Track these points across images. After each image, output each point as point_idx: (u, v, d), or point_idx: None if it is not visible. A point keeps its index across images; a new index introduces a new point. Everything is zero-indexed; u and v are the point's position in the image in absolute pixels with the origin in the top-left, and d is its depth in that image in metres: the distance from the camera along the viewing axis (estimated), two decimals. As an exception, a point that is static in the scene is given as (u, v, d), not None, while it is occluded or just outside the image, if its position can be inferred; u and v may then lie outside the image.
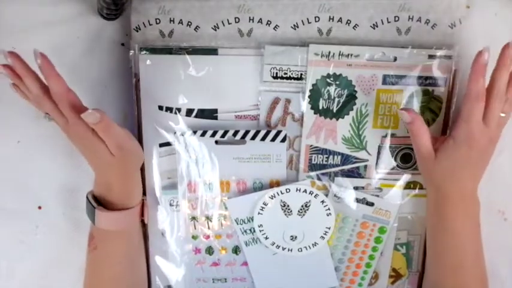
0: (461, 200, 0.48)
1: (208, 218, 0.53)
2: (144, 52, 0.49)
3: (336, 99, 0.51)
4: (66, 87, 0.43)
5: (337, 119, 0.51)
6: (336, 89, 0.50)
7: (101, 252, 0.49)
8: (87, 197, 0.49)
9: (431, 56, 0.49)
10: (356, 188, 0.53)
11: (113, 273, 0.50)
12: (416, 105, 0.51)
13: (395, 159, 0.52)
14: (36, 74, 0.44)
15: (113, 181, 0.47)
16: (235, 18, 0.49)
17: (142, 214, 0.51)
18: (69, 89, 0.43)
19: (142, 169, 0.52)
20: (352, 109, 0.51)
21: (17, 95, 0.51)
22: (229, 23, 0.49)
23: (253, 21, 0.49)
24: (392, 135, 0.51)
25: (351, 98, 0.50)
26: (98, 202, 0.48)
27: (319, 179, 0.52)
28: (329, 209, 0.52)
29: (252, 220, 0.53)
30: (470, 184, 0.48)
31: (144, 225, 0.53)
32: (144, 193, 0.53)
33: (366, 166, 0.52)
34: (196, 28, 0.49)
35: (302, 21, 0.49)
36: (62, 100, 0.42)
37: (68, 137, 0.46)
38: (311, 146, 0.52)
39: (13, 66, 0.43)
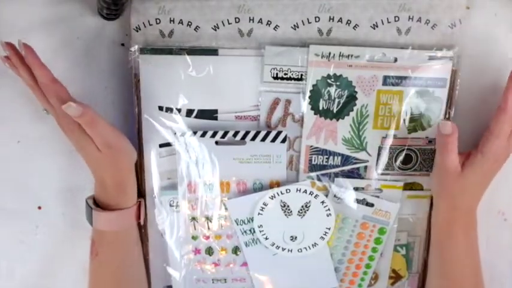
0: (470, 213, 0.49)
1: (208, 219, 0.53)
2: (144, 52, 0.49)
3: (336, 100, 0.50)
4: (51, 77, 0.44)
5: (338, 120, 0.51)
6: (336, 90, 0.50)
7: (101, 258, 0.49)
8: (86, 201, 0.49)
9: (431, 57, 0.49)
10: (356, 189, 0.53)
11: (114, 278, 0.50)
12: (416, 106, 0.51)
13: (395, 160, 0.52)
14: (28, 65, 0.45)
15: (105, 178, 0.48)
16: (235, 18, 0.49)
17: (139, 216, 0.51)
18: (54, 79, 0.44)
19: (138, 171, 0.52)
20: (352, 110, 0.51)
21: (17, 96, 0.52)
22: (229, 23, 0.49)
23: (253, 21, 0.49)
24: (393, 136, 0.51)
25: (351, 98, 0.50)
26: (97, 205, 0.49)
27: (319, 179, 0.52)
28: (329, 209, 0.52)
29: (252, 221, 0.53)
30: (481, 197, 0.49)
31: (140, 228, 0.53)
32: (143, 194, 0.53)
33: (366, 167, 0.52)
34: (196, 28, 0.49)
35: (302, 21, 0.49)
36: (48, 90, 0.44)
37: (61, 129, 0.47)
38: (311, 146, 0.52)
39: (10, 57, 0.45)
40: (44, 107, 0.47)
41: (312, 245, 0.54)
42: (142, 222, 0.52)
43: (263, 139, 0.51)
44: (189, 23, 0.49)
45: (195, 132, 0.50)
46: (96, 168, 0.48)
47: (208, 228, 0.54)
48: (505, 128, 0.44)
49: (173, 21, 0.49)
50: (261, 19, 0.49)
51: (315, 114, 0.51)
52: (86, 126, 0.44)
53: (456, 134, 0.45)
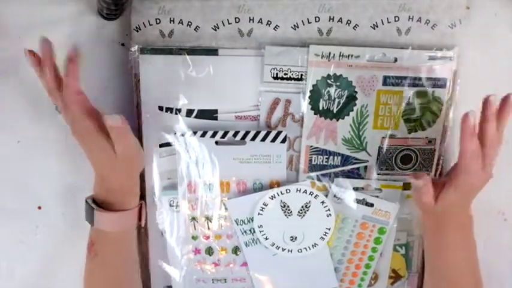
0: (460, 220, 0.49)
1: (208, 219, 0.53)
2: (144, 52, 0.49)
3: (336, 100, 0.51)
4: (78, 88, 0.44)
5: (338, 120, 0.51)
6: (336, 90, 0.50)
7: (101, 258, 0.49)
8: (86, 201, 0.49)
9: (431, 57, 0.49)
10: (356, 189, 0.53)
11: (114, 278, 0.50)
12: (416, 106, 0.51)
13: (395, 160, 0.52)
14: (56, 68, 0.44)
15: (112, 182, 0.47)
16: (235, 18, 0.49)
17: (140, 218, 0.51)
18: (80, 91, 0.44)
19: (141, 172, 0.52)
20: (352, 110, 0.51)
21: (17, 96, 0.52)
22: (229, 23, 0.49)
23: (253, 21, 0.49)
24: (392, 136, 0.51)
25: (351, 98, 0.50)
26: (97, 205, 0.49)
27: (319, 179, 0.52)
28: (329, 209, 0.52)
29: (252, 221, 0.53)
30: (468, 207, 0.49)
31: (140, 229, 0.53)
32: (143, 194, 0.53)
33: (366, 167, 0.52)
34: (196, 28, 0.49)
35: (302, 21, 0.49)
36: (71, 100, 0.44)
37: (72, 132, 0.46)
38: (311, 146, 0.52)
39: (42, 53, 0.44)
40: (61, 111, 0.46)
41: (312, 245, 0.54)
42: (143, 224, 0.52)
43: (263, 139, 0.51)
44: (189, 23, 0.49)
45: (195, 132, 0.50)
46: (105, 172, 0.48)
47: (208, 228, 0.54)
48: (472, 167, 0.45)
49: (173, 21, 0.49)
50: (261, 19, 0.49)
51: (315, 114, 0.51)
52: (118, 135, 0.44)
53: (429, 183, 0.46)
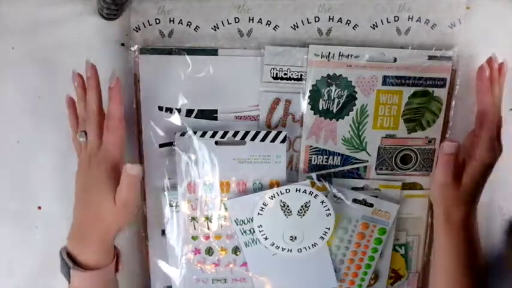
0: (473, 217, 0.49)
1: (208, 219, 0.53)
2: (144, 52, 0.49)
3: (336, 100, 0.51)
4: (122, 116, 0.45)
5: (337, 120, 0.51)
6: (335, 90, 0.50)
7: None
8: (60, 254, 0.46)
9: (431, 57, 0.49)
10: (356, 189, 0.53)
11: None
12: (416, 106, 0.51)
13: (394, 160, 0.52)
14: (100, 92, 0.46)
15: (93, 233, 0.45)
16: (235, 18, 0.49)
17: (117, 268, 0.49)
18: (122, 118, 0.45)
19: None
20: (352, 110, 0.51)
21: (17, 96, 0.51)
22: (229, 23, 0.49)
23: (253, 22, 0.49)
24: (392, 136, 0.51)
25: (351, 98, 0.50)
26: (72, 260, 0.45)
27: (319, 179, 0.52)
28: (329, 209, 0.52)
29: (252, 221, 0.53)
30: (479, 198, 0.49)
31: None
32: (144, 194, 0.53)
33: (365, 167, 0.52)
34: (196, 28, 0.49)
35: (302, 21, 0.49)
36: (114, 127, 0.45)
37: (82, 166, 0.47)
38: (311, 146, 0.52)
39: (88, 77, 0.46)
40: (91, 136, 0.46)
41: (312, 245, 0.54)
42: (120, 269, 0.49)
43: (263, 139, 0.51)
44: (189, 23, 0.49)
45: (195, 132, 0.50)
46: (94, 218, 0.45)
47: (208, 228, 0.54)
48: (493, 121, 0.45)
49: (173, 21, 0.49)
50: (260, 19, 0.49)
51: (314, 114, 0.51)
52: (129, 184, 0.44)
53: (459, 152, 0.45)
